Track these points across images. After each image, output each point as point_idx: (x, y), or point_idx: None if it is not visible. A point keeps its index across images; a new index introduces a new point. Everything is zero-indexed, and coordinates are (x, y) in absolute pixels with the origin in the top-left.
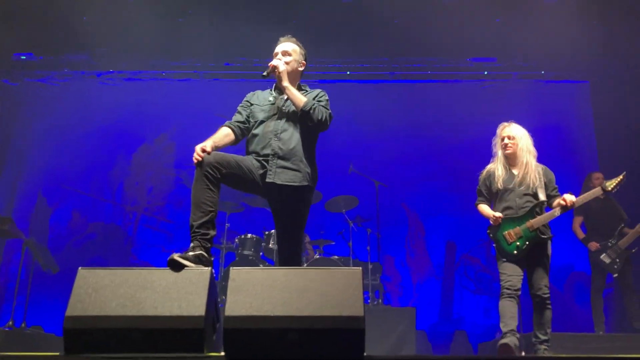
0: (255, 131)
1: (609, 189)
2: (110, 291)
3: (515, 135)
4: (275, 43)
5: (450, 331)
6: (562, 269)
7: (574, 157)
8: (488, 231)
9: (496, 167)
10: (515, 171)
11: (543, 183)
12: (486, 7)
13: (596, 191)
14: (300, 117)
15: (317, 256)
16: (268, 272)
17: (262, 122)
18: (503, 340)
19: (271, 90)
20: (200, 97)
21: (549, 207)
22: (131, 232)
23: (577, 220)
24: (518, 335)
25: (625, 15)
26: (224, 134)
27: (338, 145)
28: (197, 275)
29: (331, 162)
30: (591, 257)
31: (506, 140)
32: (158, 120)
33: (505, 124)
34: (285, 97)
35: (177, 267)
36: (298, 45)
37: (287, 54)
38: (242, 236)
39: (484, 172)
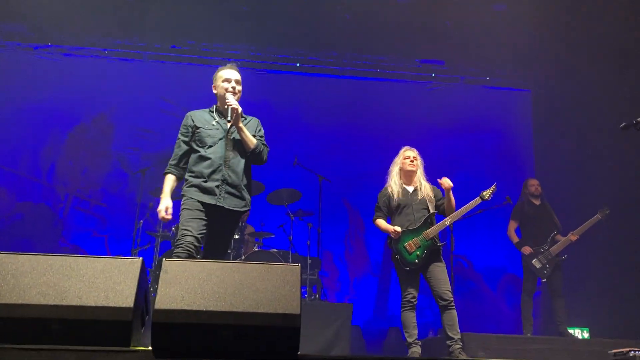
0: (204, 154)
1: (487, 197)
2: (31, 278)
3: (417, 157)
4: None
5: (384, 328)
6: (495, 271)
7: (511, 163)
8: (388, 243)
9: (395, 186)
10: (410, 188)
11: (432, 198)
12: (437, 10)
13: (476, 201)
14: (249, 156)
15: (256, 248)
16: (203, 265)
17: (210, 146)
18: (412, 354)
19: (211, 111)
20: (143, 78)
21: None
22: (62, 214)
23: (513, 225)
24: (420, 343)
25: (569, 28)
26: (172, 182)
27: (284, 137)
28: (127, 265)
29: (276, 154)
30: (524, 261)
31: (412, 159)
32: (97, 100)
33: (408, 147)
34: (229, 123)
35: None
36: (240, 74)
37: (239, 83)
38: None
39: (383, 190)
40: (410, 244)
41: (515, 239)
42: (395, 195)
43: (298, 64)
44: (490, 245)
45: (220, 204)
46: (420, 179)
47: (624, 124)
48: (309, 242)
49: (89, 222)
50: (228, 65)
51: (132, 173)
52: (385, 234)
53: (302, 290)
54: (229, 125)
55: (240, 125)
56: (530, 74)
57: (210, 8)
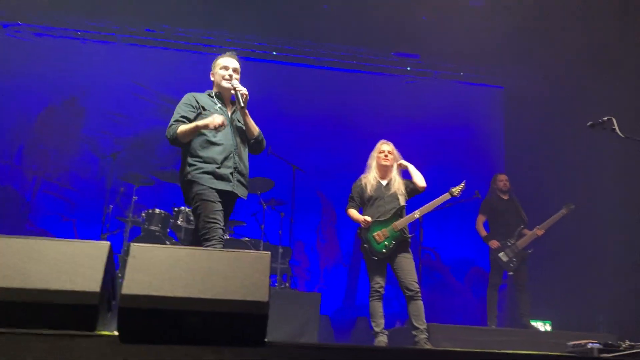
0: (213, 140)
1: (456, 194)
2: None
3: (392, 152)
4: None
5: (352, 317)
6: (463, 263)
7: (482, 157)
8: (358, 232)
9: (369, 178)
10: (383, 182)
11: (404, 191)
12: (414, 3)
13: (445, 196)
14: (252, 144)
15: (226, 236)
16: (171, 251)
17: (218, 131)
18: (378, 344)
19: (211, 97)
20: (117, 62)
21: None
22: (29, 197)
23: (481, 219)
24: (387, 333)
25: (543, 27)
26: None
27: (258, 125)
28: (94, 249)
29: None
30: (491, 255)
31: (386, 154)
32: (68, 82)
33: (384, 141)
34: (229, 110)
35: None
36: (240, 63)
37: (237, 72)
38: (150, 211)
39: (358, 182)
40: (379, 233)
41: (483, 232)
42: (369, 188)
43: (274, 53)
44: (459, 238)
45: (235, 191)
46: (395, 173)
47: (590, 122)
48: (280, 232)
49: (57, 205)
50: (227, 53)
51: (103, 157)
52: (356, 224)
53: (272, 278)
54: (230, 112)
55: (247, 111)
56: (503, 71)
57: None
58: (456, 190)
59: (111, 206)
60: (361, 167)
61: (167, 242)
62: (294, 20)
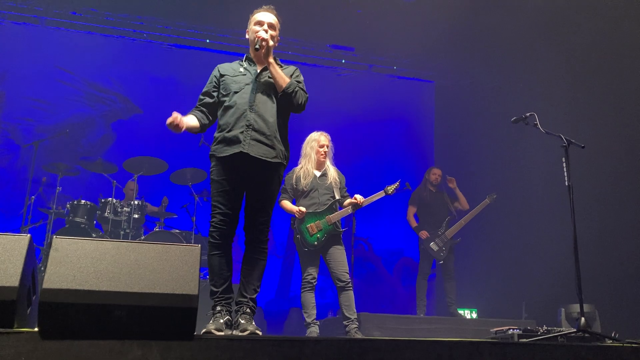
0: (228, 103)
1: (390, 192)
2: None
3: (329, 145)
4: (252, 9)
5: (285, 309)
6: (394, 254)
7: (413, 150)
8: (292, 223)
9: (305, 169)
10: (317, 173)
11: (339, 182)
12: None
13: (380, 194)
14: (280, 97)
15: (157, 229)
16: (97, 244)
17: (235, 92)
18: (310, 334)
19: (240, 61)
20: (40, 45)
21: (341, 206)
22: None
23: (411, 211)
24: (318, 323)
25: (472, 25)
26: (191, 115)
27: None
28: (13, 242)
29: (181, 133)
30: (421, 245)
31: (325, 149)
32: None
33: (322, 132)
34: (259, 68)
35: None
36: (278, 18)
37: (273, 28)
38: (75, 202)
39: (291, 173)
40: (313, 226)
41: (413, 223)
42: (303, 179)
43: (208, 40)
44: (390, 229)
45: (246, 151)
46: (329, 164)
47: (514, 117)
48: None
49: None
50: (264, 7)
51: (24, 145)
52: (290, 215)
53: (203, 271)
54: (259, 69)
55: (271, 60)
56: (434, 66)
57: None
58: (391, 188)
59: (33, 197)
60: (294, 158)
61: (93, 235)
62: (227, 8)
